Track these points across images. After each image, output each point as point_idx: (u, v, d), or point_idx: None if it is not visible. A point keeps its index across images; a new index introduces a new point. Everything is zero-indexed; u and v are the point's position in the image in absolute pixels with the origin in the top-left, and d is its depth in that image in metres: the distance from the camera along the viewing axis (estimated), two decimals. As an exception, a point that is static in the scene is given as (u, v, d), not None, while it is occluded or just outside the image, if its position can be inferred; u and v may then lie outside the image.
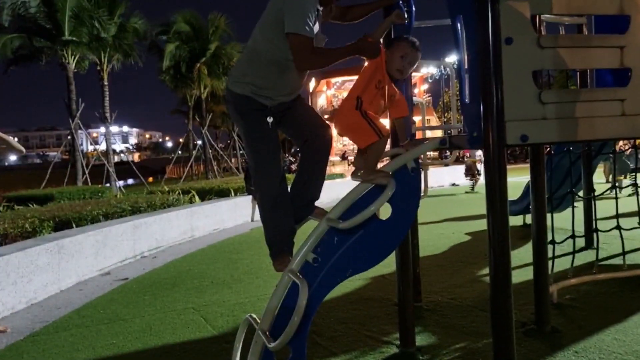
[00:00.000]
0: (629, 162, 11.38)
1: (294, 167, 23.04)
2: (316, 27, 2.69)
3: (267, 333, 2.69)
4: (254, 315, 2.95)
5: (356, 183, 2.87)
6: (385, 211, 2.70)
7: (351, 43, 2.70)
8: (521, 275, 4.93)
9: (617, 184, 5.54)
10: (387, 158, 3.19)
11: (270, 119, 2.82)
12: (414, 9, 3.29)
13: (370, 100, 2.73)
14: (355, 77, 2.85)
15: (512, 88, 2.54)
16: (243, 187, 12.58)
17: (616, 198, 5.15)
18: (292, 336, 2.54)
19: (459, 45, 2.83)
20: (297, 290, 2.58)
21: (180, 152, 32.50)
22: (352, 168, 3.10)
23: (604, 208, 5.80)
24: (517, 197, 8.16)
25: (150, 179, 31.00)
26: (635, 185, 5.58)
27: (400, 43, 2.78)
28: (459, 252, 6.74)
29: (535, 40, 2.57)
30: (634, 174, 11.05)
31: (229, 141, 38.23)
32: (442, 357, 3.50)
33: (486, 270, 5.52)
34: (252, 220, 11.15)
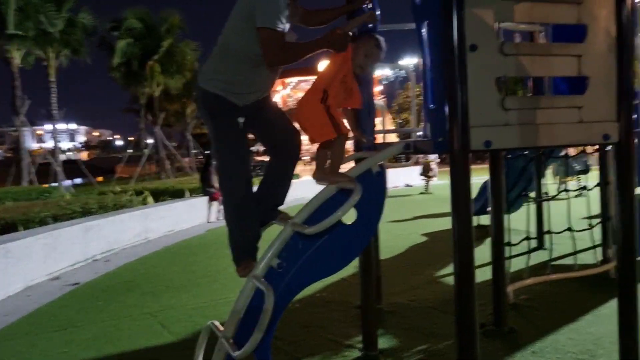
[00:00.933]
0: (575, 165, 11.80)
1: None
2: (287, 25, 2.66)
3: (231, 340, 2.63)
4: (217, 323, 2.88)
5: (319, 186, 2.84)
6: (349, 215, 2.68)
7: (319, 37, 2.69)
8: (477, 276, 5.01)
9: (564, 186, 5.72)
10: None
11: (241, 120, 2.76)
12: (378, 12, 3.30)
13: (334, 95, 2.72)
14: (311, 77, 2.83)
15: (476, 94, 2.57)
16: (198, 188, 12.37)
17: (568, 199, 5.32)
18: (257, 343, 2.49)
19: (424, 51, 2.85)
20: (261, 296, 2.53)
21: (131, 150, 31.75)
22: (308, 167, 3.07)
23: (552, 210, 5.98)
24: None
25: (100, 179, 30.08)
26: (584, 188, 5.78)
27: (366, 41, 2.76)
28: (417, 253, 6.83)
29: (499, 47, 2.62)
30: (579, 175, 11.51)
31: (182, 140, 37.53)
32: (404, 359, 3.52)
33: (444, 271, 5.61)
34: (209, 221, 11.00)
